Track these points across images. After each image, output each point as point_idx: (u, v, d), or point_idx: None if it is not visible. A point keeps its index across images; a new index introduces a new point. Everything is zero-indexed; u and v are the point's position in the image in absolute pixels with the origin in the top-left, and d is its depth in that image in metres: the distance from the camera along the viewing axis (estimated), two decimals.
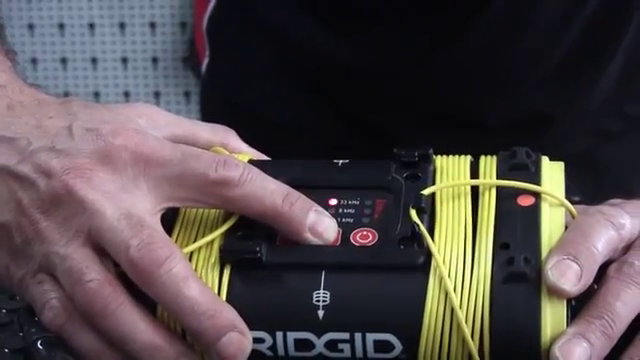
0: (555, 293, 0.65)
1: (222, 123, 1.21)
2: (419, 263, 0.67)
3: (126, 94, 2.96)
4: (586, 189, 0.73)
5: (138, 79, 2.93)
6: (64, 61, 3.00)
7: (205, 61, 1.25)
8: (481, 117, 1.09)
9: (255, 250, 0.68)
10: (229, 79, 1.21)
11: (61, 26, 2.96)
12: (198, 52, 1.18)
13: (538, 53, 1.07)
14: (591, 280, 0.67)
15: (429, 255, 0.67)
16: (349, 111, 1.14)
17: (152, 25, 2.85)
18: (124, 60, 2.94)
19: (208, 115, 1.28)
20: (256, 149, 0.79)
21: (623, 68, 1.11)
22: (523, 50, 1.06)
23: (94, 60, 2.96)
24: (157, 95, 2.93)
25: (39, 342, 0.68)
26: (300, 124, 1.15)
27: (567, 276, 0.65)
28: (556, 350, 0.64)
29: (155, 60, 2.86)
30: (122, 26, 2.90)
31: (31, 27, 2.97)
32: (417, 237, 0.68)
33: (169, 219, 0.71)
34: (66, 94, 2.91)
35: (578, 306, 0.67)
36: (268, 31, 1.15)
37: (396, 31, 1.07)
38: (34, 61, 3.02)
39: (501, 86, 1.09)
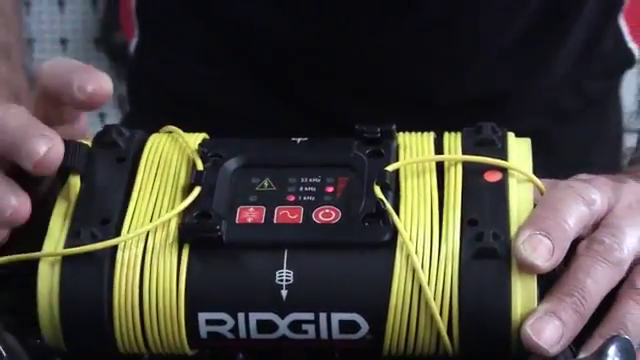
0: (526, 268, 0.67)
1: (152, 106, 1.21)
2: (385, 240, 0.68)
3: None
4: (541, 168, 0.75)
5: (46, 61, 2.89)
6: None
7: (133, 41, 1.25)
8: (433, 95, 1.10)
9: (215, 229, 0.69)
10: (161, 61, 1.21)
11: None
12: (125, 32, 1.18)
13: (493, 28, 1.09)
14: (563, 256, 0.68)
15: (395, 232, 0.68)
16: (291, 92, 1.15)
17: (60, 3, 2.83)
18: (29, 42, 2.92)
19: (137, 98, 1.28)
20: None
21: (582, 43, 1.13)
22: (476, 25, 1.08)
23: None
24: None
25: None
26: (238, 107, 1.15)
27: (539, 251, 0.67)
28: (527, 328, 0.66)
29: (64, 41, 2.84)
30: (27, 5, 2.88)
31: None
32: (382, 214, 0.69)
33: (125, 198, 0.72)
34: None
35: (547, 285, 0.69)
36: (203, 10, 1.15)
37: (342, 6, 1.08)
38: None
39: (455, 62, 1.10)
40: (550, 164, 0.77)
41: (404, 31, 1.08)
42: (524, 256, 0.67)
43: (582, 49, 1.13)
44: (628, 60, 1.20)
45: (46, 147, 0.71)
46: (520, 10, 1.08)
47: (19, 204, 0.71)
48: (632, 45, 1.18)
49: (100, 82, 0.74)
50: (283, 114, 1.14)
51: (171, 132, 0.76)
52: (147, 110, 1.21)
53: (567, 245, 0.69)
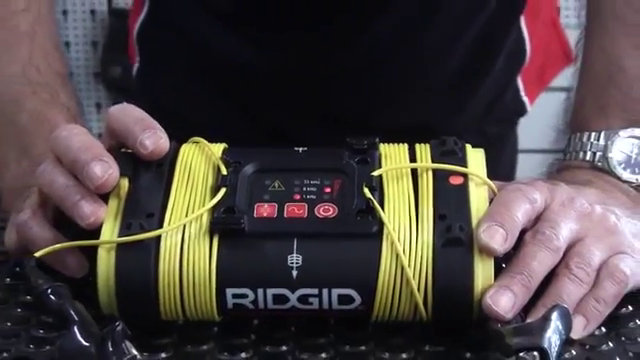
0: (486, 252, 0.67)
1: None
2: (373, 231, 0.68)
3: None
4: None
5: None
6: None
7: (135, 66, 1.22)
8: (368, 119, 1.08)
9: (239, 222, 0.69)
10: (156, 82, 1.19)
11: None
12: (130, 57, 1.18)
13: (424, 69, 1.08)
14: (514, 242, 0.69)
15: (381, 224, 0.69)
16: (253, 110, 1.12)
17: (67, 44, 2.80)
18: None
19: None
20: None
21: (490, 95, 1.13)
22: (410, 65, 1.07)
23: None
24: None
25: (49, 291, 0.66)
26: (211, 122, 1.12)
27: (496, 238, 0.68)
28: (487, 299, 0.66)
29: (71, 75, 2.82)
30: None
31: None
32: (371, 210, 0.69)
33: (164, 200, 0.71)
34: None
35: (500, 267, 0.70)
36: (185, 40, 1.13)
37: (294, 41, 1.06)
38: None
39: (389, 96, 1.09)
40: None
41: (352, 65, 1.06)
42: (485, 242, 0.67)
43: (489, 99, 1.13)
44: (521, 110, 1.20)
45: (106, 174, 0.70)
46: (447, 60, 1.07)
47: (97, 210, 0.71)
48: (525, 99, 1.18)
49: (159, 141, 0.72)
50: (246, 129, 1.12)
51: (198, 142, 0.75)
52: None
53: (517, 234, 0.69)
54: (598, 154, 0.81)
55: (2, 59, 0.89)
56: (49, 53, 0.92)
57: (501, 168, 1.20)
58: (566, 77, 1.27)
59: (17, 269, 0.81)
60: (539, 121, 1.27)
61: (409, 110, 1.08)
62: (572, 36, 0.88)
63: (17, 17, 0.90)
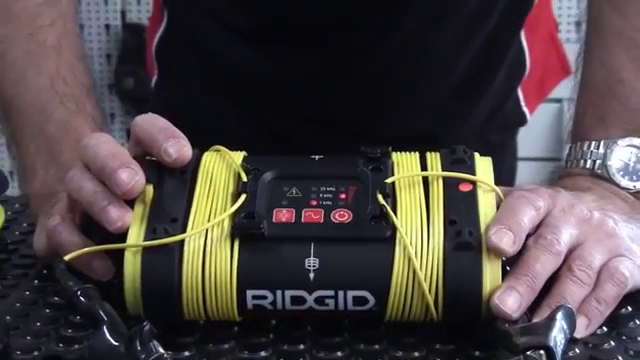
0: (496, 253, 0.68)
1: None
2: (387, 236, 0.69)
3: None
4: None
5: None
6: None
7: (154, 79, 1.22)
8: (377, 129, 1.08)
9: (259, 226, 0.69)
10: (173, 93, 1.19)
11: None
12: (148, 70, 1.18)
13: (430, 82, 1.08)
14: (521, 245, 0.69)
15: (394, 229, 0.69)
16: (267, 119, 1.12)
17: None
18: None
19: None
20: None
21: (491, 105, 1.13)
22: (417, 77, 1.07)
23: None
24: None
25: (79, 292, 0.66)
26: (227, 131, 1.09)
27: (504, 241, 0.68)
28: (495, 299, 0.67)
29: None
30: None
31: None
32: (384, 216, 0.69)
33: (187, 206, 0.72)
34: None
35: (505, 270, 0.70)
36: (203, 54, 1.13)
37: (310, 56, 1.06)
38: None
39: (397, 108, 1.09)
40: None
41: (362, 78, 1.06)
42: (494, 243, 0.68)
43: (491, 109, 1.14)
44: (522, 120, 1.20)
45: (133, 181, 0.71)
46: (452, 68, 1.08)
47: (124, 216, 0.71)
48: (525, 109, 1.19)
49: (182, 149, 0.72)
50: (262, 140, 1.11)
51: (219, 150, 0.76)
52: None
53: (523, 237, 0.70)
54: (598, 162, 0.82)
55: (30, 72, 0.90)
56: (74, 66, 0.92)
57: (502, 175, 1.20)
58: (558, 89, 1.28)
59: (45, 271, 0.82)
60: (533, 131, 1.28)
61: (415, 120, 1.09)
62: (573, 50, 0.88)
63: (44, 32, 0.91)
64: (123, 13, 2.65)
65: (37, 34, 0.91)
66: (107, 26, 2.70)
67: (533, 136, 1.97)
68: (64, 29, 0.93)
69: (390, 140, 0.76)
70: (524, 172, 1.30)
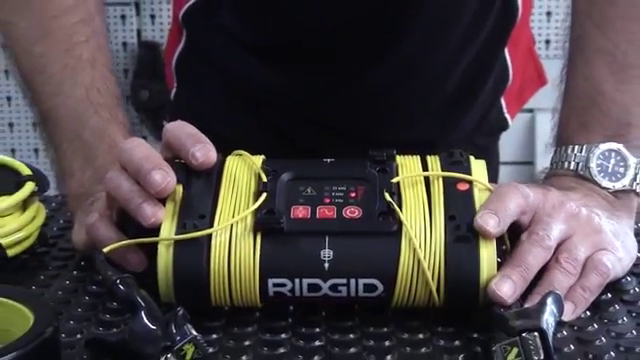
0: (481, 234, 0.69)
1: None
2: (394, 230, 0.69)
3: None
4: None
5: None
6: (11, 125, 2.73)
7: (173, 90, 1.21)
8: (378, 135, 1.08)
9: (279, 222, 0.69)
10: (191, 104, 1.18)
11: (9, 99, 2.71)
12: (167, 82, 1.18)
13: (426, 94, 1.08)
14: (506, 228, 0.70)
15: (400, 224, 0.69)
16: (278, 126, 1.12)
17: None
18: None
19: None
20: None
21: (480, 113, 1.13)
22: (415, 90, 1.07)
23: None
24: None
25: (118, 281, 0.66)
26: (243, 139, 1.12)
27: (489, 223, 0.69)
28: (492, 285, 0.68)
29: None
30: None
31: None
32: (391, 212, 0.70)
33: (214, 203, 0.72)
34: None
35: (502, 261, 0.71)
36: (218, 69, 1.13)
37: (317, 72, 1.06)
38: None
39: (397, 116, 1.09)
40: None
41: (366, 91, 1.06)
42: (480, 225, 0.69)
43: (478, 116, 1.14)
44: (504, 125, 1.20)
45: (165, 181, 0.71)
46: (446, 81, 1.08)
47: (157, 212, 0.72)
48: (507, 116, 1.19)
49: (208, 153, 0.73)
50: (276, 146, 1.09)
51: (240, 155, 0.76)
52: None
53: (509, 221, 0.71)
54: (581, 164, 0.83)
55: (68, 84, 0.90)
56: (107, 78, 0.93)
57: (489, 175, 1.20)
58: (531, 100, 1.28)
59: (82, 263, 0.82)
60: (508, 137, 1.28)
61: (412, 126, 1.09)
62: (558, 65, 0.89)
63: (80, 47, 0.91)
64: (139, 32, 2.65)
65: (73, 49, 0.91)
66: (124, 44, 2.70)
67: (508, 142, 1.98)
68: (97, 45, 0.93)
69: (390, 145, 0.76)
70: (501, 175, 1.31)
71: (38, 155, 2.54)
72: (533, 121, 2.51)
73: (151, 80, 2.60)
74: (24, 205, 0.83)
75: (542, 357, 0.62)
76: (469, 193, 0.72)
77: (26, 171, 0.85)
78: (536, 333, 0.62)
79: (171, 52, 1.21)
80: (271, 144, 1.08)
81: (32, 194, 0.83)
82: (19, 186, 0.83)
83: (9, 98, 2.64)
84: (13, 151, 2.68)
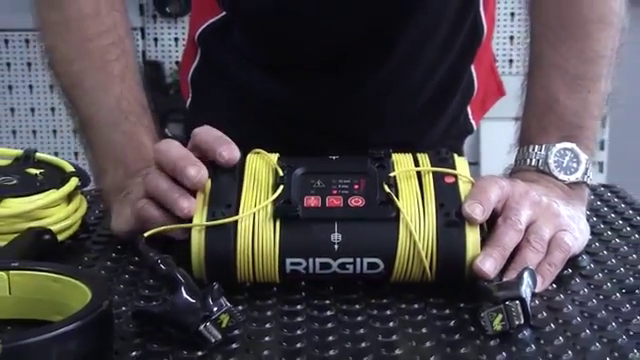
0: (469, 220, 0.69)
1: None
2: (393, 216, 0.69)
3: None
4: None
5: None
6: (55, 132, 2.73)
7: (188, 101, 1.20)
8: (367, 137, 1.07)
9: (295, 210, 0.69)
10: (205, 112, 1.17)
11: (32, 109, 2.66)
12: (183, 92, 1.17)
13: (408, 101, 1.08)
14: (489, 214, 0.71)
15: (398, 211, 0.69)
16: (283, 132, 1.11)
17: None
18: None
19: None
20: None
21: (450, 118, 1.13)
22: (399, 98, 1.07)
23: None
24: None
25: (159, 261, 0.65)
26: (251, 146, 1.11)
27: (476, 211, 0.69)
28: (477, 262, 0.68)
29: None
30: None
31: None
32: (390, 201, 0.70)
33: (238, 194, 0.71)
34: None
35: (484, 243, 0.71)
36: (231, 82, 1.12)
37: (319, 85, 1.06)
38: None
39: (382, 121, 1.09)
40: None
41: (360, 100, 1.06)
42: (468, 213, 0.69)
43: (449, 121, 1.14)
44: (470, 129, 1.20)
45: (199, 175, 0.71)
46: (424, 91, 1.08)
47: (191, 204, 0.71)
48: (472, 121, 1.19)
49: (233, 152, 0.72)
50: (280, 147, 1.09)
51: (259, 152, 0.76)
52: None
53: (490, 209, 0.71)
54: (541, 161, 0.83)
55: (101, 95, 0.89)
56: (135, 89, 0.92)
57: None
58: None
59: (119, 247, 0.81)
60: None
61: (393, 130, 1.09)
62: (519, 80, 0.89)
63: (111, 65, 0.90)
64: (144, 52, 2.63)
65: (106, 67, 0.90)
66: None
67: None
68: (126, 62, 0.92)
69: (377, 146, 0.76)
70: None
71: (77, 158, 2.51)
72: (478, 128, 2.53)
73: (154, 93, 2.59)
74: (69, 197, 0.82)
75: (522, 321, 0.63)
76: (455, 185, 0.72)
77: (69, 168, 0.84)
78: (517, 301, 0.63)
79: (187, 66, 1.20)
80: (277, 147, 1.08)
81: (76, 188, 0.82)
82: (64, 181, 0.82)
83: (53, 109, 2.64)
84: (56, 154, 2.62)
